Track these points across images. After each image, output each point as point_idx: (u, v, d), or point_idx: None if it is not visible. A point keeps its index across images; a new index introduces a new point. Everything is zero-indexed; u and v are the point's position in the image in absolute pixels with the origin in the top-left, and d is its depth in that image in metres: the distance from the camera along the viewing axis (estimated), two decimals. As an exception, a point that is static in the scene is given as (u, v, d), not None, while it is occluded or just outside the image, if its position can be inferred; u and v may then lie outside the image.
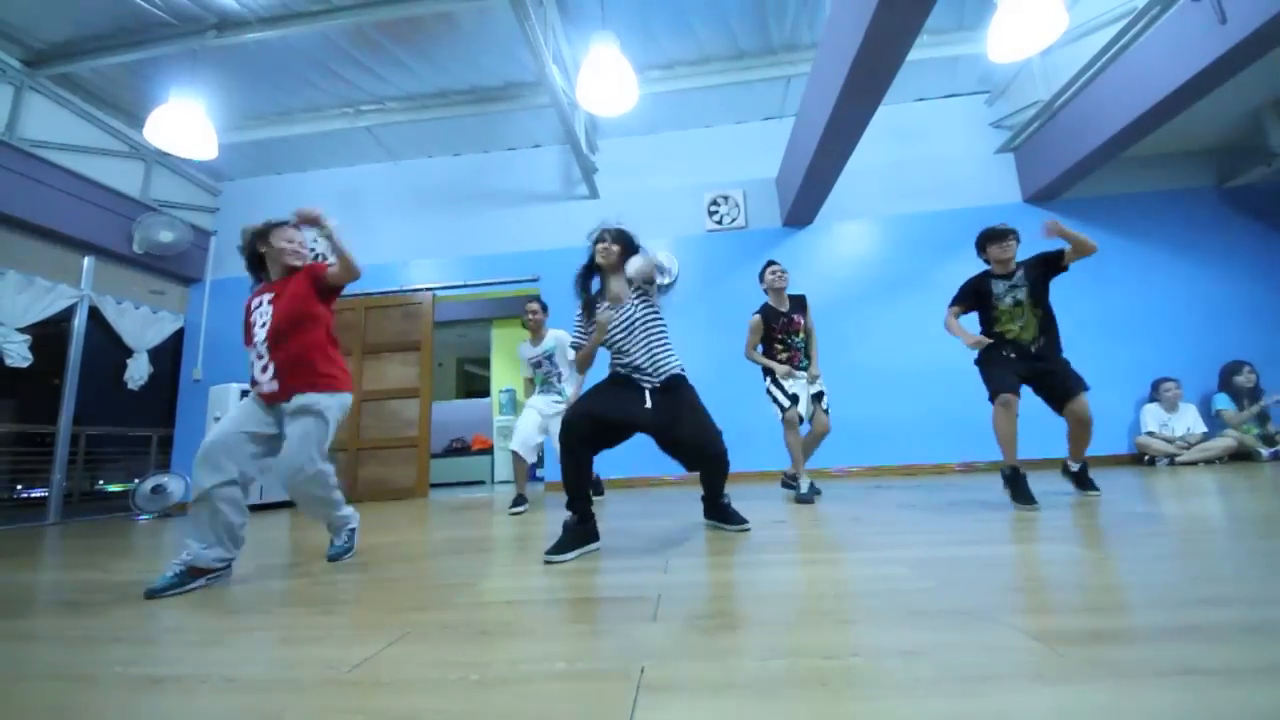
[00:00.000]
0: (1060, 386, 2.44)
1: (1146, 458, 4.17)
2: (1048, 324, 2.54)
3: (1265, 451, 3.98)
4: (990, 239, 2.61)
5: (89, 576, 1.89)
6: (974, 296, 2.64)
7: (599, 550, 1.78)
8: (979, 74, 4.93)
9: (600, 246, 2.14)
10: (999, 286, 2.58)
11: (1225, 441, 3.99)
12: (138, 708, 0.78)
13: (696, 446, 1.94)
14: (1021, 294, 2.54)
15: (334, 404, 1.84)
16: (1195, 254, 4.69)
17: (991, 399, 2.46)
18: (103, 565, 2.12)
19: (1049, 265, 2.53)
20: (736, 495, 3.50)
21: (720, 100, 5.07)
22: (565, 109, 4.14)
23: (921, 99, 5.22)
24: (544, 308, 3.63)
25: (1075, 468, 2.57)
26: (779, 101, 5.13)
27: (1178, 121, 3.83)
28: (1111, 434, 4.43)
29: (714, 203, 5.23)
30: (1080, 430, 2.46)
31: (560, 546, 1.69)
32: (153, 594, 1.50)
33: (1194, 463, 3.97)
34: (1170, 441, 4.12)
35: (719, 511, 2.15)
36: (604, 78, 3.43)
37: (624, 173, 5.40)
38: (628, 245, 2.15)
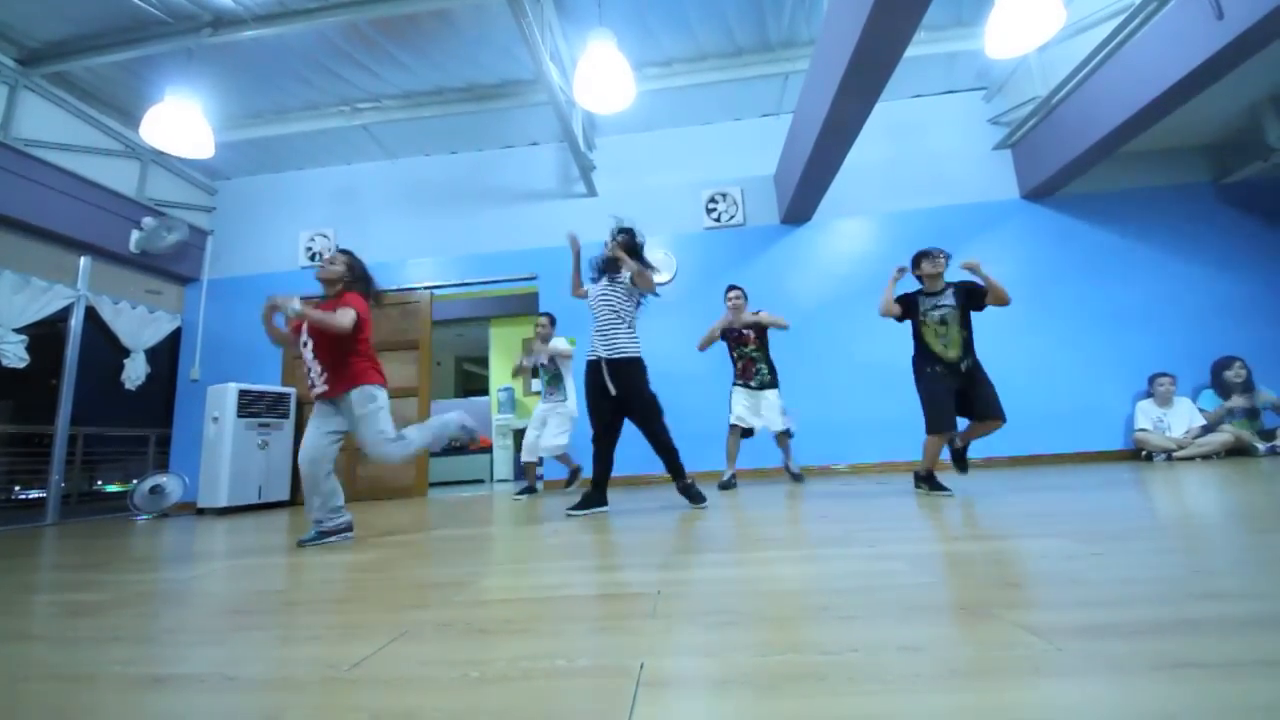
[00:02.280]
0: (983, 408, 2.68)
1: (1144, 453, 4.18)
2: (970, 347, 2.75)
3: (1262, 447, 3.99)
4: (923, 256, 2.86)
5: (88, 577, 1.89)
6: (905, 304, 2.87)
7: (602, 544, 1.78)
8: (976, 70, 4.93)
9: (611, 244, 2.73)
10: (926, 303, 2.81)
11: (1222, 437, 4.00)
12: (138, 707, 0.78)
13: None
14: (948, 312, 2.74)
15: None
16: (1192, 250, 4.70)
17: (930, 430, 2.71)
18: (101, 566, 2.12)
19: (970, 297, 2.76)
20: (711, 492, 3.52)
21: (718, 97, 5.06)
22: (563, 107, 4.13)
23: (919, 95, 5.21)
24: (552, 321, 4.14)
25: (959, 444, 2.87)
26: (777, 98, 5.12)
27: (1175, 117, 3.83)
28: (1109, 430, 4.44)
29: (712, 200, 5.23)
30: (983, 433, 2.77)
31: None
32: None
33: (1191, 458, 3.98)
34: (1174, 437, 4.13)
35: (684, 492, 2.68)
36: (601, 75, 3.43)
37: (622, 170, 5.40)
38: (632, 243, 2.74)
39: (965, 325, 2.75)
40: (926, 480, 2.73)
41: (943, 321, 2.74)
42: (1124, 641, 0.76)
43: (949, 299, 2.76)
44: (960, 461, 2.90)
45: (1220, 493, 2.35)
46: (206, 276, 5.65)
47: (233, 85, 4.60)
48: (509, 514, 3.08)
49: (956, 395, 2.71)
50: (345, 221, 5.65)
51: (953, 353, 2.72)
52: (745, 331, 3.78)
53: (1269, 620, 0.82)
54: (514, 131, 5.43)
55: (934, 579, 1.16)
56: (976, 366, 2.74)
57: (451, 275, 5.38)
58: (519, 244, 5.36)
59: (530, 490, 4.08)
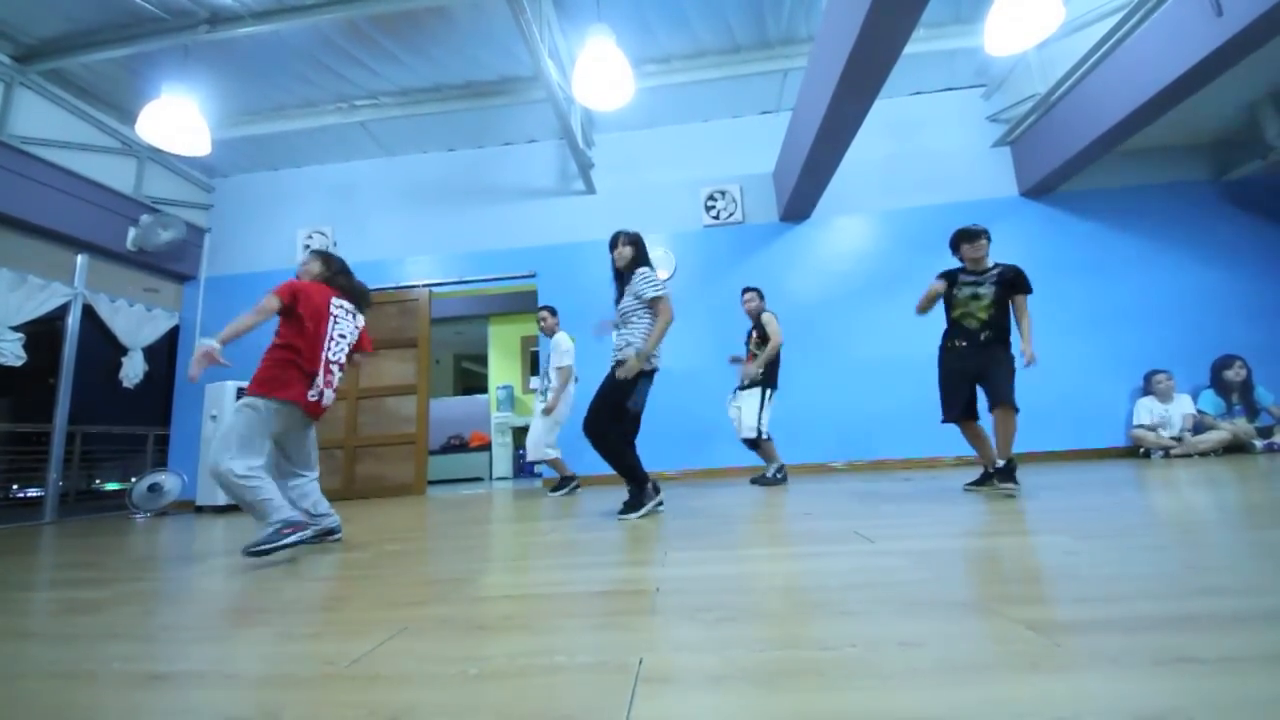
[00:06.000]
0: (993, 392, 2.56)
1: (1141, 450, 4.19)
2: (998, 323, 2.65)
3: (1259, 444, 4.00)
4: (963, 238, 2.73)
5: (86, 575, 1.89)
6: (946, 278, 2.78)
7: (601, 541, 1.78)
8: (976, 67, 4.92)
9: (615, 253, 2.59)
10: (966, 279, 2.73)
11: (1220, 434, 4.01)
12: (138, 704, 0.78)
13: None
14: (984, 290, 2.66)
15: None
16: (1191, 247, 4.70)
17: (944, 420, 2.75)
18: (100, 564, 2.12)
19: (1014, 287, 2.66)
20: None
21: (717, 94, 5.05)
22: (561, 104, 4.12)
23: (918, 93, 5.21)
24: (553, 313, 3.94)
25: (1000, 464, 2.52)
26: (776, 96, 5.11)
27: (1174, 114, 3.83)
28: (1106, 427, 4.45)
29: (711, 198, 5.22)
30: (1002, 430, 2.54)
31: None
32: None
33: (1189, 455, 3.99)
34: (1169, 434, 4.14)
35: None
36: (600, 72, 3.41)
37: (621, 168, 5.39)
38: (639, 247, 2.59)
39: (998, 305, 2.65)
40: (1000, 473, 2.57)
41: (974, 296, 2.68)
42: (1122, 637, 0.76)
43: (991, 279, 2.66)
44: (1006, 475, 2.46)
45: (1217, 490, 2.36)
46: (204, 274, 5.64)
47: (230, 82, 4.59)
48: (508, 512, 3.08)
49: (973, 380, 2.64)
50: (343, 219, 5.64)
51: (974, 321, 2.66)
52: (752, 331, 3.77)
53: (1266, 615, 0.82)
54: (512, 129, 5.41)
55: (933, 575, 1.16)
56: (998, 341, 2.62)
57: (450, 273, 5.37)
58: (518, 241, 5.35)
59: (569, 481, 3.87)
